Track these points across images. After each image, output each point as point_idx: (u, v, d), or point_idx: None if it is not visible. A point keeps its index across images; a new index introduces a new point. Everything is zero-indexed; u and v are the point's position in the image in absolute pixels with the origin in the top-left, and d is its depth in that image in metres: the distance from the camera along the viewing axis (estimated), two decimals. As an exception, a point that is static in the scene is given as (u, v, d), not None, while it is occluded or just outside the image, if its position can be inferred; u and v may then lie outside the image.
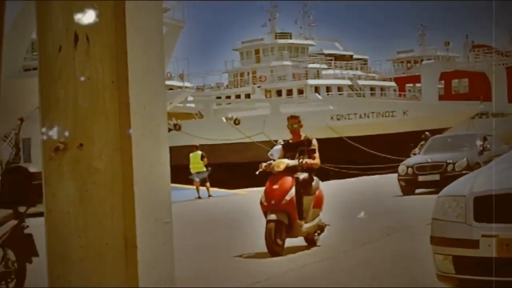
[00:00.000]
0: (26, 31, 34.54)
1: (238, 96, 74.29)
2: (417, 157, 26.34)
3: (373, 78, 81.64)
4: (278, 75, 75.19)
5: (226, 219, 20.41)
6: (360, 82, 75.93)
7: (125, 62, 2.28)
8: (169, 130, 45.28)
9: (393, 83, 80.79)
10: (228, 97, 74.40)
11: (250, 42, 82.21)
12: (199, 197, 30.14)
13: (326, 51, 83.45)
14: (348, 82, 74.39)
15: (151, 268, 2.32)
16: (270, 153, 34.15)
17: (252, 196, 30.46)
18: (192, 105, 59.29)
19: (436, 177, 23.47)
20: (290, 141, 13.52)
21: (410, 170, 24.46)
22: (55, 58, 2.31)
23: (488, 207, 6.99)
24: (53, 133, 2.32)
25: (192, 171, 30.68)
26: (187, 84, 68.26)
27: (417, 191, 24.23)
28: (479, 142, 25.45)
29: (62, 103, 2.31)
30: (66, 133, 2.30)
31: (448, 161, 23.87)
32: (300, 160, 12.88)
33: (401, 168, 25.08)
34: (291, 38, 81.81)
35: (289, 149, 13.32)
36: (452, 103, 59.72)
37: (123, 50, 2.29)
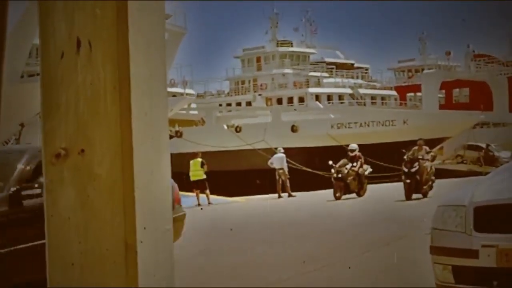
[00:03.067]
0: (28, 36, 34.59)
1: (239, 104, 74.31)
2: None
3: (374, 87, 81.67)
4: (279, 83, 75.19)
5: (225, 226, 20.40)
6: (361, 91, 75.92)
7: (127, 67, 2.28)
8: (171, 137, 45.36)
9: (394, 92, 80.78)
10: (229, 104, 74.41)
11: (252, 50, 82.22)
12: (199, 205, 30.16)
13: (327, 59, 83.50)
14: (349, 91, 74.40)
15: (151, 274, 2.32)
16: (270, 161, 34.87)
17: (250, 204, 30.62)
18: (195, 112, 59.45)
19: None
20: None
21: None
22: (57, 64, 2.31)
23: (488, 217, 6.99)
24: (54, 139, 2.32)
25: (192, 178, 30.70)
26: (190, 91, 68.50)
27: None
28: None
29: (64, 109, 2.31)
30: (68, 139, 2.30)
31: None
32: None
33: None
34: (292, 46, 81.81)
35: None
36: (452, 112, 59.71)
37: (125, 55, 2.29)
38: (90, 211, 2.28)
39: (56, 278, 2.31)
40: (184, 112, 56.75)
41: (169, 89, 60.59)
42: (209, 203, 30.41)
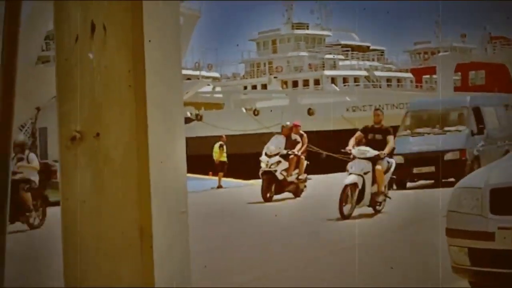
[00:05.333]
0: (44, 21, 34.61)
1: (254, 87, 74.16)
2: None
3: (389, 69, 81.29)
4: (294, 65, 74.92)
5: (239, 209, 20.45)
6: (377, 73, 75.59)
7: (142, 51, 2.28)
8: (191, 120, 45.53)
9: (409, 75, 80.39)
10: (245, 87, 74.27)
11: (267, 33, 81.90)
12: (220, 186, 30.57)
13: (343, 42, 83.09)
14: (365, 73, 74.09)
15: (166, 257, 2.32)
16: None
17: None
18: (220, 95, 59.65)
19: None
20: None
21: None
22: (72, 48, 2.31)
23: (504, 200, 6.96)
24: (70, 122, 2.32)
25: (215, 158, 31.46)
26: (215, 74, 68.85)
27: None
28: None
29: (79, 92, 2.32)
30: (83, 123, 2.31)
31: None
32: None
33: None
34: (308, 29, 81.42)
35: None
36: (466, 95, 59.32)
37: (140, 39, 2.29)
38: (105, 195, 2.28)
39: (71, 260, 2.32)
40: (208, 95, 56.92)
41: (191, 72, 60.84)
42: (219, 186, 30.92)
